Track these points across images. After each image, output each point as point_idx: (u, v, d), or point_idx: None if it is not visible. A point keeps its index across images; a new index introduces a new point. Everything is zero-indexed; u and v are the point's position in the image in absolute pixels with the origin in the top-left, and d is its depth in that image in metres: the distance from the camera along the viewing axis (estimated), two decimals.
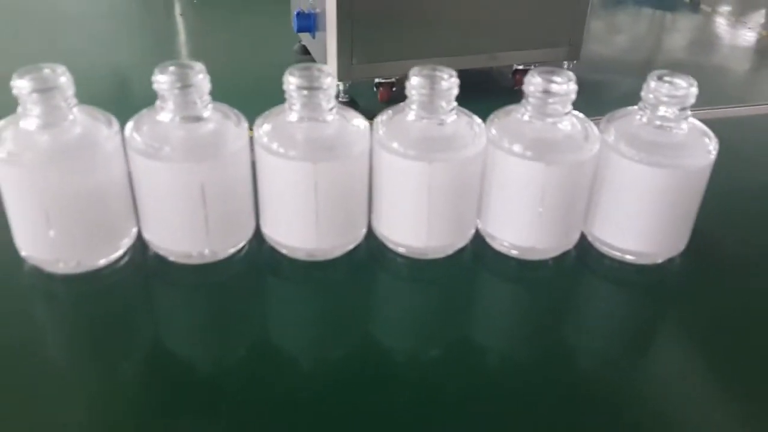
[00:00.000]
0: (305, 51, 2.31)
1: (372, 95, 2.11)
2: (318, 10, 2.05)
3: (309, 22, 2.11)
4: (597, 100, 1.99)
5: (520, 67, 2.22)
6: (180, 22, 2.73)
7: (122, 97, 2.02)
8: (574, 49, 2.20)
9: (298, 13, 2.12)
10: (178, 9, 2.81)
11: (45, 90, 0.48)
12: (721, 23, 2.92)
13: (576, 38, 2.19)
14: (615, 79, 2.27)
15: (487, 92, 2.04)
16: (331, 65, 2.01)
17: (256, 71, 2.21)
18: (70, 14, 2.72)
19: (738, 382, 0.48)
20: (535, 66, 2.27)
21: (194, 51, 2.51)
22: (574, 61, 2.23)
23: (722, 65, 2.53)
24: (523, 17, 2.12)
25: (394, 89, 2.10)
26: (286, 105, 0.52)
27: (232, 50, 2.45)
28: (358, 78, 2.05)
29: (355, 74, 2.03)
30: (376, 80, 2.10)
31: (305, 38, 2.27)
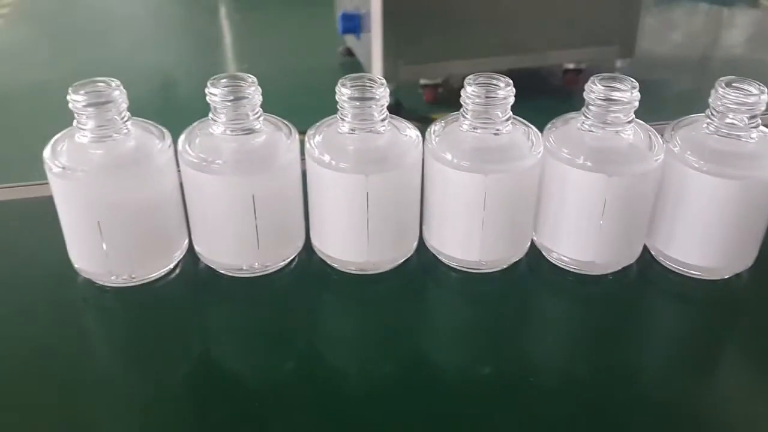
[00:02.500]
0: (350, 53, 2.31)
1: (417, 97, 2.10)
2: (363, 11, 2.05)
3: (354, 24, 2.10)
4: (652, 100, 1.94)
5: (571, 67, 2.17)
6: (225, 24, 2.76)
7: (168, 103, 2.05)
8: (628, 47, 2.14)
9: (343, 15, 2.12)
10: (223, 12, 2.84)
11: (99, 104, 0.48)
12: None
13: (629, 36, 2.13)
14: (671, 78, 2.20)
15: (537, 93, 2.00)
16: (377, 67, 2.00)
17: (301, 73, 2.22)
18: (118, 17, 2.78)
19: None
20: (585, 66, 2.23)
21: (240, 54, 2.54)
22: (628, 60, 2.17)
23: None
24: (573, 14, 2.07)
25: (440, 90, 2.08)
26: (338, 115, 0.51)
27: (277, 52, 2.46)
28: (403, 79, 2.04)
29: (400, 76, 2.02)
30: (422, 81, 2.09)
31: (350, 40, 2.27)
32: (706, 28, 2.79)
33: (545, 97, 2.01)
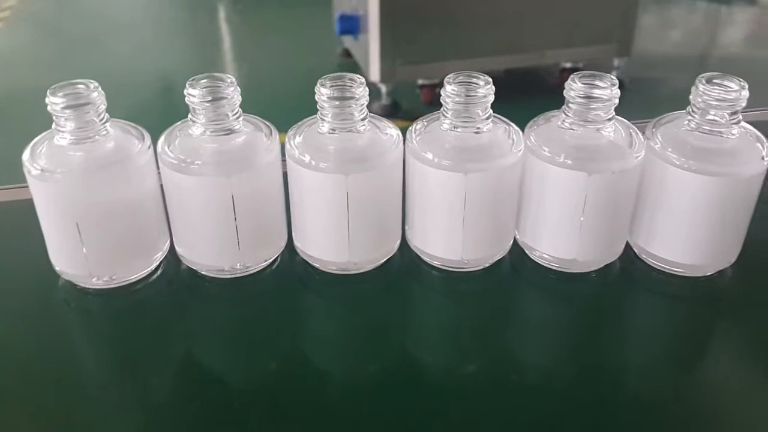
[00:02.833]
0: (348, 54, 2.31)
1: (415, 97, 2.10)
2: (361, 12, 2.05)
3: (352, 25, 2.11)
4: (649, 98, 1.93)
5: (568, 66, 2.17)
6: (224, 27, 2.77)
7: (166, 105, 2.05)
8: (625, 45, 2.14)
9: (341, 16, 2.12)
10: (222, 14, 2.85)
11: (78, 106, 0.48)
12: None
13: (627, 34, 2.13)
14: (668, 77, 2.20)
15: (534, 92, 2.00)
16: (374, 67, 2.00)
17: (299, 75, 2.22)
18: (117, 20, 2.79)
19: None
20: (583, 65, 2.23)
21: (239, 56, 2.54)
22: (625, 59, 2.17)
23: None
24: (571, 14, 2.07)
25: (437, 90, 2.08)
26: (317, 115, 0.51)
27: (275, 54, 2.47)
28: (401, 80, 2.04)
29: (398, 76, 2.02)
30: (419, 82, 2.09)
31: (348, 41, 2.27)
32: (704, 27, 2.79)
33: (542, 96, 2.01)
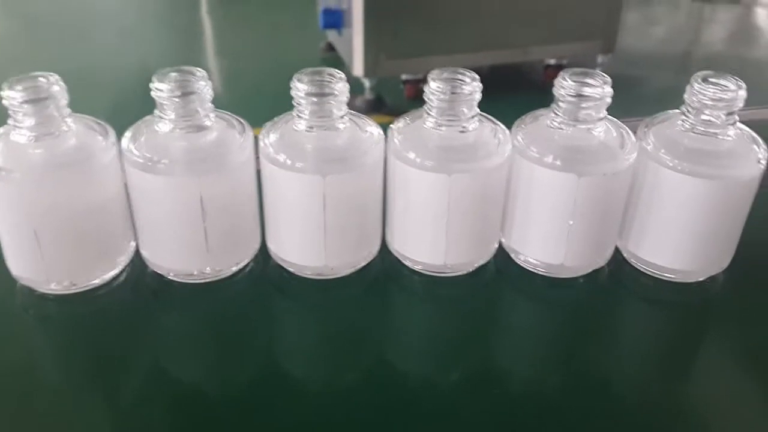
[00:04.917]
0: (332, 48, 2.28)
1: (399, 92, 2.07)
2: (344, 7, 2.02)
3: (335, 19, 2.08)
4: (633, 95, 1.92)
5: (552, 62, 2.16)
6: (206, 20, 2.72)
7: (144, 99, 2.01)
8: (609, 42, 2.13)
9: (325, 10, 2.09)
10: (204, 7, 2.80)
11: (37, 100, 0.45)
12: (763, 14, 2.82)
13: (610, 31, 2.12)
14: (652, 74, 2.19)
15: (518, 89, 1.98)
16: (358, 62, 1.97)
17: (282, 69, 2.18)
18: (98, 11, 2.73)
19: None
20: (567, 61, 2.21)
21: (221, 50, 2.50)
22: (609, 55, 2.16)
23: (765, 60, 2.43)
24: (555, 10, 2.06)
25: (421, 86, 2.05)
26: (294, 112, 0.49)
27: (258, 48, 2.43)
28: (384, 75, 2.02)
29: (381, 71, 1.99)
30: (403, 77, 2.06)
31: (332, 35, 2.24)
32: (687, 24, 2.79)
33: (526, 93, 2.00)
